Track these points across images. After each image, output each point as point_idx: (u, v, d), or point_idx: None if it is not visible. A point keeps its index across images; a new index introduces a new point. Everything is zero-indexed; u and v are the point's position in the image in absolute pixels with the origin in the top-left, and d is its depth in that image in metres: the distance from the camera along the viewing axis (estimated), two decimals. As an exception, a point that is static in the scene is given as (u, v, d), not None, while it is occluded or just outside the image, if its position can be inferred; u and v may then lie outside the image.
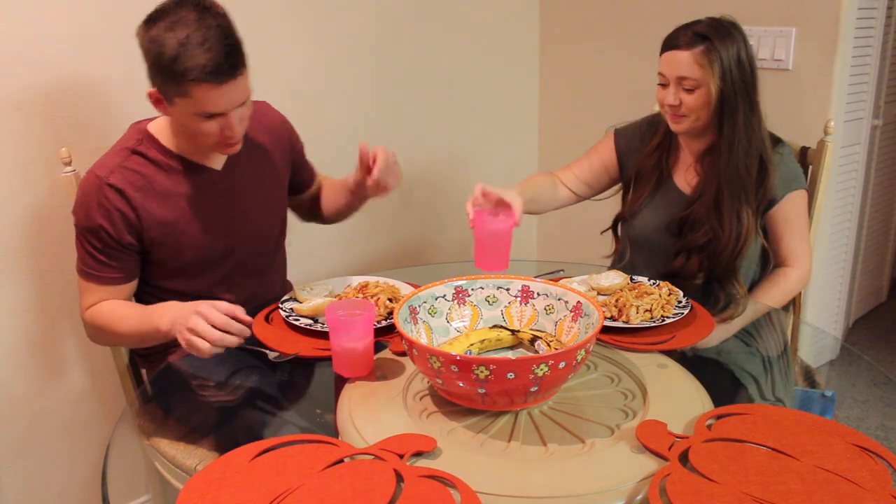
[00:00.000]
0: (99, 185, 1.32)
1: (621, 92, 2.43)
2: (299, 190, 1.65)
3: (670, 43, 1.48)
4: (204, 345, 1.16)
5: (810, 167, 1.70)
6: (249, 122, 1.38)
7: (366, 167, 1.43)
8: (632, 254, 1.66)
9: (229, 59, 1.22)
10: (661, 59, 1.50)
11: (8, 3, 1.47)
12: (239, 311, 1.20)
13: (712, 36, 1.42)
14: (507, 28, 2.51)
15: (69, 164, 1.50)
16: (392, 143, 2.24)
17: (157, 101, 1.29)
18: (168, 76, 1.22)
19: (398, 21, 2.18)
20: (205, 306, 1.18)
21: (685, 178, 1.60)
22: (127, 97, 1.66)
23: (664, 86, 1.50)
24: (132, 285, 1.41)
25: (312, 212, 1.72)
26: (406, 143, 2.31)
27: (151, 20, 1.23)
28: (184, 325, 1.19)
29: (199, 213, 1.41)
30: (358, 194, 1.53)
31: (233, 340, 1.18)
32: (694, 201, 1.55)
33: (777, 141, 1.55)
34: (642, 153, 1.64)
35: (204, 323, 1.17)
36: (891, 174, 2.89)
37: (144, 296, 1.46)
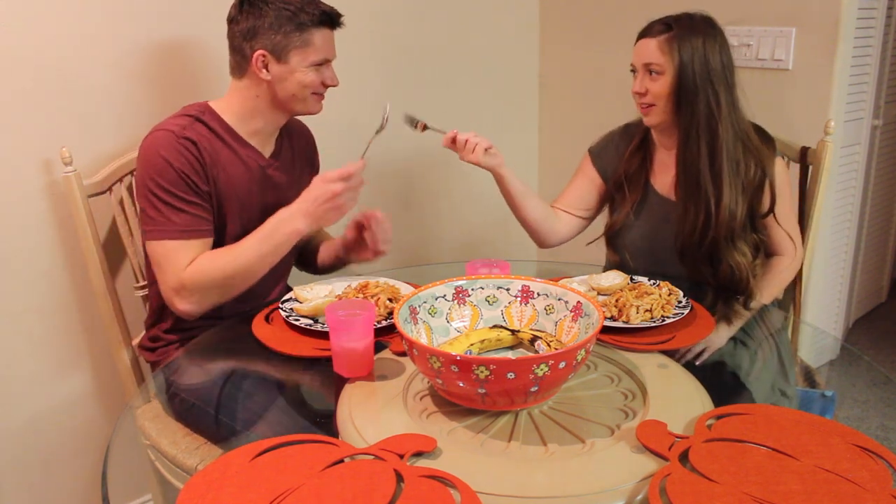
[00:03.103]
0: (175, 139, 1.37)
1: (621, 92, 2.41)
2: None
3: (641, 33, 1.53)
4: (348, 199, 1.35)
5: (810, 167, 1.70)
6: (291, 125, 1.57)
7: (360, 226, 1.56)
8: (633, 262, 1.67)
9: (335, 9, 1.42)
10: (633, 49, 1.54)
11: (8, 3, 1.47)
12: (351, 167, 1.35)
13: (676, 25, 1.47)
14: (507, 28, 2.51)
15: (69, 164, 1.50)
16: (392, 144, 2.25)
17: (263, 65, 1.39)
18: (291, 28, 1.37)
19: (397, 21, 2.18)
20: (317, 181, 1.35)
21: (667, 181, 1.61)
22: (128, 97, 1.67)
23: (635, 74, 1.54)
24: (211, 241, 1.43)
25: (308, 261, 1.73)
26: (406, 143, 2.31)
27: None
28: (327, 203, 1.34)
29: (247, 189, 1.47)
30: (347, 252, 1.62)
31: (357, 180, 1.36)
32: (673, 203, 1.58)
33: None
34: (623, 158, 1.66)
35: (330, 186, 1.33)
36: (891, 174, 2.89)
37: None
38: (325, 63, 1.44)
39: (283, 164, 1.54)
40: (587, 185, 1.72)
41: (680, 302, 1.34)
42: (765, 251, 1.60)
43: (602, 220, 1.76)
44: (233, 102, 1.46)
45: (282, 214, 1.37)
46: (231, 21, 1.41)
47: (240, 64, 1.43)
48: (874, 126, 2.55)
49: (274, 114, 1.47)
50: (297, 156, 1.60)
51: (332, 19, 1.42)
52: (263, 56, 1.38)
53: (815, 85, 2.00)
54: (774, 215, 1.54)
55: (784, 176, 1.56)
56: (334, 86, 1.47)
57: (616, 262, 1.71)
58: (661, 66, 1.48)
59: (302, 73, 1.41)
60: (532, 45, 2.62)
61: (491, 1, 2.41)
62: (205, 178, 1.39)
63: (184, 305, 1.37)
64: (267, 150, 1.52)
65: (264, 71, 1.40)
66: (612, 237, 1.69)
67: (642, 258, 1.64)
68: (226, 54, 1.45)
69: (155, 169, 1.35)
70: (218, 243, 1.44)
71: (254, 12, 1.37)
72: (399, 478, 0.86)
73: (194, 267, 1.35)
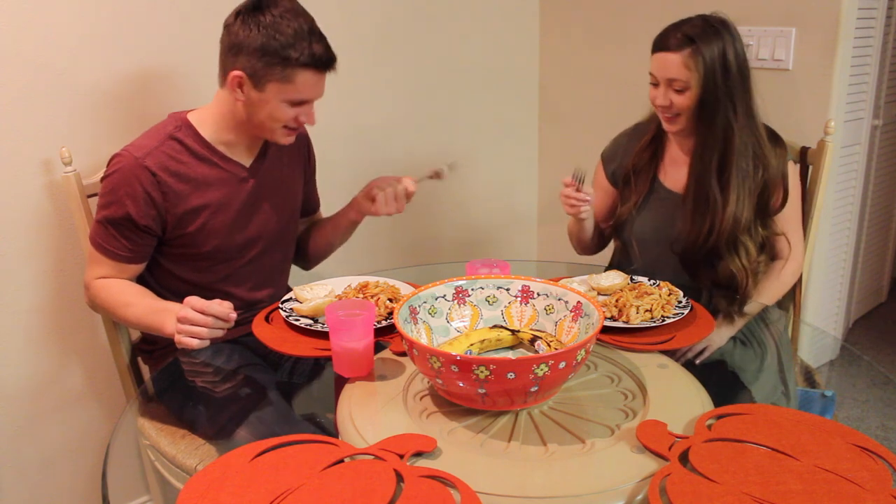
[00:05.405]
0: (132, 165, 1.35)
1: (621, 92, 2.43)
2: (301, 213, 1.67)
3: (660, 44, 1.50)
4: (197, 330, 1.23)
5: (810, 167, 1.70)
6: None
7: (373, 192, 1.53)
8: (640, 251, 1.67)
9: (331, 52, 1.34)
10: (652, 59, 1.52)
11: (8, 3, 1.47)
12: (226, 306, 1.25)
13: (698, 38, 1.45)
14: (507, 28, 2.51)
15: (69, 164, 1.50)
16: (392, 144, 2.26)
17: (238, 85, 1.33)
18: (275, 60, 1.29)
19: (397, 22, 2.18)
20: (194, 299, 1.25)
21: (676, 176, 1.61)
22: (127, 97, 1.66)
23: (656, 85, 1.53)
24: (139, 267, 1.43)
25: (299, 253, 1.72)
26: (406, 144, 2.31)
27: (257, 7, 1.30)
28: (180, 324, 1.24)
29: (226, 204, 1.44)
30: (354, 213, 1.60)
31: (218, 327, 1.25)
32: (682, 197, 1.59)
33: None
34: (635, 152, 1.66)
35: (193, 312, 1.23)
36: (891, 174, 2.89)
37: (151, 279, 1.48)
38: (304, 103, 1.37)
39: (266, 170, 1.50)
40: (602, 196, 1.75)
41: (680, 302, 1.34)
42: (769, 252, 1.60)
43: None
44: (214, 111, 1.42)
45: (169, 306, 1.31)
46: (226, 27, 1.35)
47: (222, 74, 1.38)
48: (874, 126, 2.54)
49: (252, 128, 1.42)
50: (285, 154, 1.56)
51: (321, 64, 1.33)
52: (240, 77, 1.32)
53: (815, 85, 2.00)
54: (779, 217, 1.54)
55: (794, 180, 1.57)
56: (310, 124, 1.42)
57: (622, 251, 1.71)
58: (687, 83, 1.46)
59: (276, 105, 1.34)
60: (532, 45, 2.62)
61: (491, 1, 2.41)
62: (149, 211, 1.36)
63: (86, 300, 1.47)
64: (249, 159, 1.47)
65: (238, 91, 1.34)
66: (619, 228, 1.70)
67: (649, 249, 1.65)
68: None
69: (105, 184, 1.38)
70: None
71: (245, 28, 1.30)
72: (399, 478, 0.86)
73: (98, 284, 1.41)
